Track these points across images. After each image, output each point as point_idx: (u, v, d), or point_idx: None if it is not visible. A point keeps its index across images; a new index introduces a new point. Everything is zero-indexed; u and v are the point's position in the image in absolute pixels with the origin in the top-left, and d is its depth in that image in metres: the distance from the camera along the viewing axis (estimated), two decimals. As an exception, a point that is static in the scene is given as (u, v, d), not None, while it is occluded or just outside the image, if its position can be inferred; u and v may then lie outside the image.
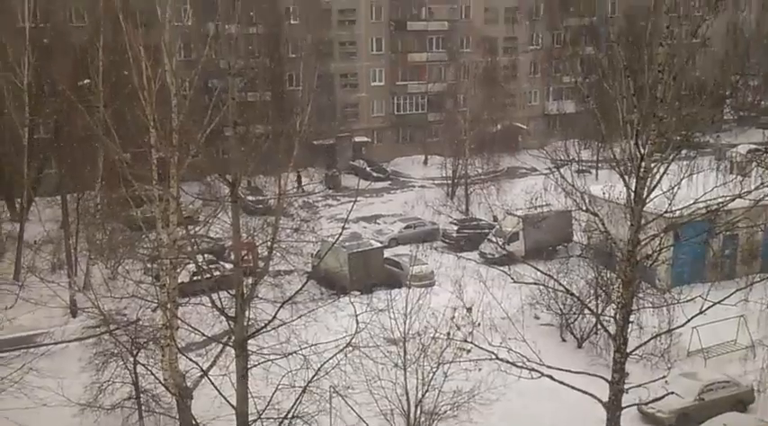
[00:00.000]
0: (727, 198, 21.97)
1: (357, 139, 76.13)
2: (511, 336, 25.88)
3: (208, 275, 22.15)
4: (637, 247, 21.60)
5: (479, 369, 25.13)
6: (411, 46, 78.35)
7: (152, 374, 27.22)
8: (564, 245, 50.28)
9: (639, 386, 24.37)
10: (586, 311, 32.92)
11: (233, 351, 20.22)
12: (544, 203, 44.61)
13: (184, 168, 24.04)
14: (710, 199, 22.05)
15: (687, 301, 23.98)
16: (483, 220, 57.15)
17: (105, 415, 28.21)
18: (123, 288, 30.00)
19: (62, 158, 44.89)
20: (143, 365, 27.54)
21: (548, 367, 22.48)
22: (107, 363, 28.35)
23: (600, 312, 31.07)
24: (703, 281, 35.18)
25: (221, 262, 38.23)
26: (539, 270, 25.60)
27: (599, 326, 32.89)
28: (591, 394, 22.64)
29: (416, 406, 24.44)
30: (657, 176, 21.18)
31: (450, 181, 65.05)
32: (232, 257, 25.34)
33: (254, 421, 20.95)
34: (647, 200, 21.29)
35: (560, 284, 29.39)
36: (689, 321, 22.94)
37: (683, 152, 22.50)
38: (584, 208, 23.46)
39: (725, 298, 21.96)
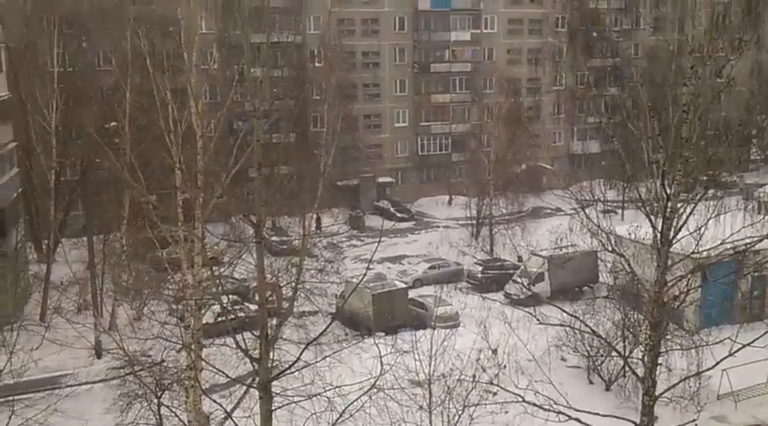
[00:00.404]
0: (756, 238, 21.72)
1: (381, 180, 76.52)
2: (537, 378, 25.63)
3: (232, 316, 22.12)
4: (664, 288, 21.34)
5: (506, 412, 24.93)
6: (434, 87, 79.08)
7: (176, 416, 26.99)
8: (590, 286, 49.91)
9: (669, 429, 24.00)
10: (614, 353, 32.50)
11: (257, 393, 20.04)
12: (569, 244, 44.52)
13: (209, 209, 24.15)
14: (738, 240, 21.85)
15: (716, 343, 23.56)
16: (508, 261, 56.97)
17: (129, 456, 28.09)
18: (148, 329, 29.90)
19: (88, 200, 45.50)
20: (167, 406, 27.35)
21: (575, 410, 22.08)
22: (131, 404, 28.18)
23: (627, 354, 30.62)
24: (732, 323, 34.60)
25: (246, 303, 38.19)
26: (565, 311, 25.29)
27: (627, 369, 32.46)
28: (619, 438, 22.28)
29: (442, 450, 24.16)
30: (684, 216, 20.99)
31: (474, 222, 64.89)
32: (256, 298, 25.32)
33: (279, 463, 20.74)
34: (674, 241, 21.09)
35: (587, 325, 28.99)
36: (718, 363, 22.64)
37: (710, 192, 22.33)
38: (609, 248, 23.18)
39: (755, 340, 21.55)
